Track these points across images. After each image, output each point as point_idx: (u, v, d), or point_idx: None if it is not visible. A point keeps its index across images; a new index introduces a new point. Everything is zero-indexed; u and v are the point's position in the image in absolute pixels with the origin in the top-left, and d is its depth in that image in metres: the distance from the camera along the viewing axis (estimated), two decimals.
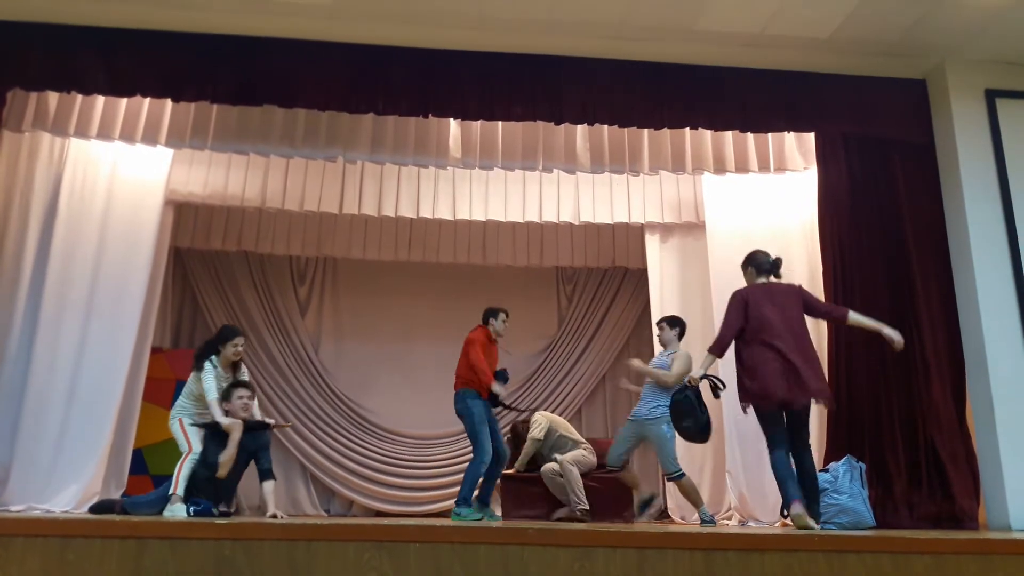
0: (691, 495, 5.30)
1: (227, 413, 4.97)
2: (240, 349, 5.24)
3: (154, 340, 6.90)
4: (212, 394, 4.97)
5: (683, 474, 5.29)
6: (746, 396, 4.54)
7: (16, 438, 5.48)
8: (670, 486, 6.81)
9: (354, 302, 8.27)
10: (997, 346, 5.31)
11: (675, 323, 5.64)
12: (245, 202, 6.87)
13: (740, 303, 4.62)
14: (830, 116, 5.85)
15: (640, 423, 5.35)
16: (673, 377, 5.26)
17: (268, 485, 4.99)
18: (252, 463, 5.06)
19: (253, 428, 5.04)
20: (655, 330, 5.82)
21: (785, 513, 5.23)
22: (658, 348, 7.00)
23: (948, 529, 4.94)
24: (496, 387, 5.46)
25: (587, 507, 5.91)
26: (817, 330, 6.11)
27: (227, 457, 4.82)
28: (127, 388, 5.98)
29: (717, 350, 4.60)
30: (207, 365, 5.08)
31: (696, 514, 5.42)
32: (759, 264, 4.79)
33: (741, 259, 6.49)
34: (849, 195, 5.88)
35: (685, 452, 6.79)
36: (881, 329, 4.65)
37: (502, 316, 5.74)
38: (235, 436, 4.86)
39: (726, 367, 5.05)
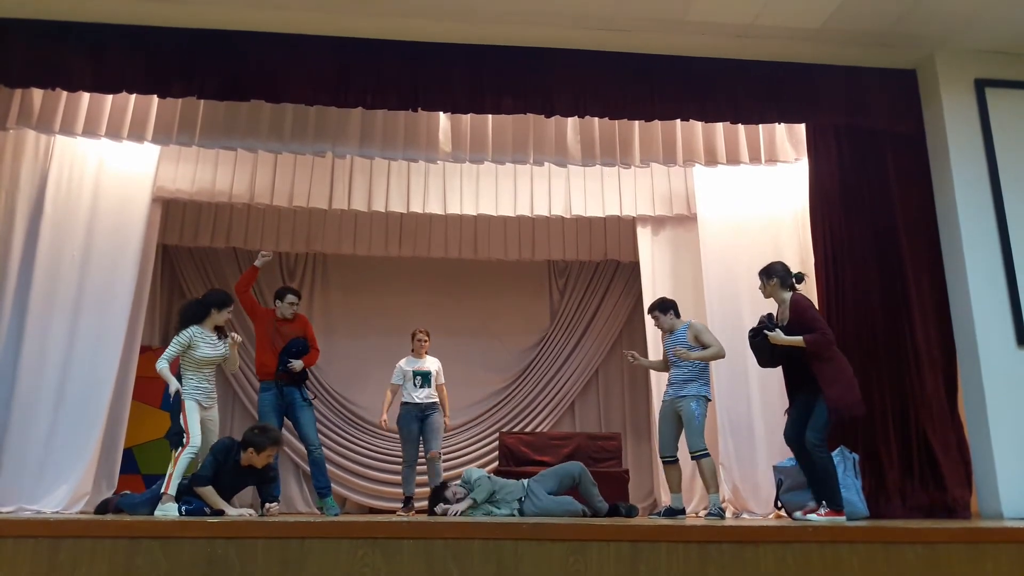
0: (708, 478, 5.25)
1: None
2: (230, 316, 5.19)
3: (143, 338, 6.85)
4: (164, 361, 4.85)
5: (707, 453, 5.25)
6: (856, 403, 4.61)
7: (5, 439, 5.44)
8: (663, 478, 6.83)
9: (345, 298, 8.24)
10: (988, 335, 5.32)
11: (666, 307, 5.57)
12: (233, 198, 6.83)
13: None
14: (821, 107, 5.84)
15: (673, 401, 5.34)
16: (718, 350, 5.31)
17: (272, 507, 4.97)
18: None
19: (259, 471, 4.98)
20: (648, 320, 5.77)
21: (779, 505, 5.26)
22: (651, 338, 7.02)
23: (941, 518, 4.96)
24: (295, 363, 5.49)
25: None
26: None
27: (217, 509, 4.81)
28: (116, 387, 5.92)
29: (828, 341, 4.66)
30: (188, 330, 4.97)
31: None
32: (785, 278, 4.89)
33: (733, 250, 6.50)
34: (840, 186, 5.89)
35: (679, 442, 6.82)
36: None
37: (289, 297, 5.69)
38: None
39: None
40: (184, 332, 4.96)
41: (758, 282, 5.01)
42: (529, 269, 8.45)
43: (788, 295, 4.84)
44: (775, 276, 4.88)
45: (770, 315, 4.85)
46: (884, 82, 5.89)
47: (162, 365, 4.86)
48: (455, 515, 5.29)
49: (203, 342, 4.98)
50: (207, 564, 3.09)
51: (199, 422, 4.85)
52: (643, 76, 5.73)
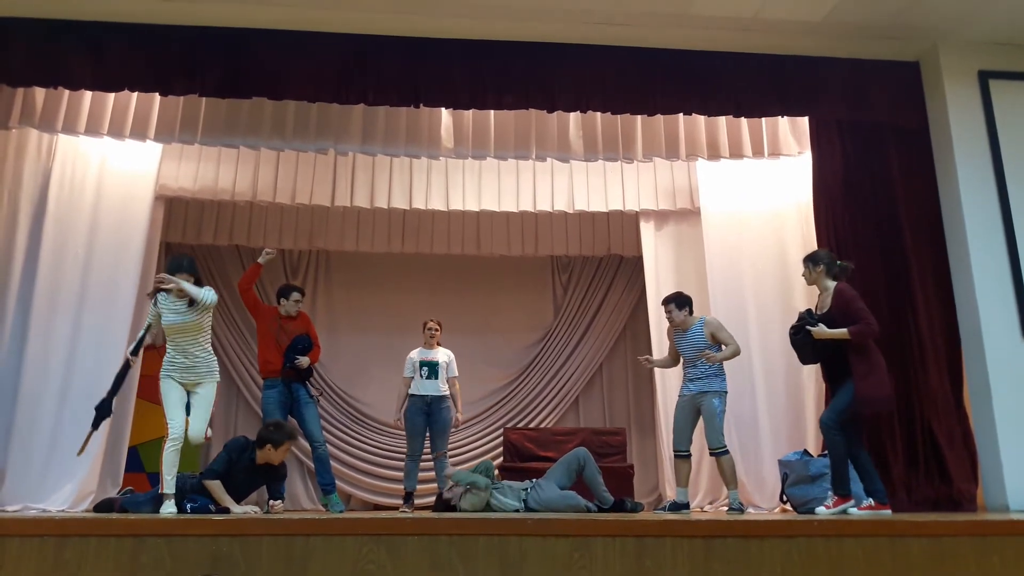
0: (728, 475, 5.22)
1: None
2: (166, 286, 4.68)
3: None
4: (140, 332, 4.78)
5: (727, 451, 5.24)
6: (887, 399, 4.50)
7: (10, 438, 5.46)
8: (671, 474, 6.83)
9: (348, 295, 8.23)
10: (993, 328, 5.31)
11: (682, 303, 5.48)
12: (236, 196, 6.84)
13: None
14: (824, 100, 5.82)
15: (694, 396, 5.29)
16: (736, 347, 5.29)
17: (276, 504, 4.95)
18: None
19: (270, 470, 4.97)
20: (662, 312, 5.68)
21: (784, 499, 5.26)
22: (655, 334, 7.01)
23: (946, 512, 4.95)
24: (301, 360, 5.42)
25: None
26: None
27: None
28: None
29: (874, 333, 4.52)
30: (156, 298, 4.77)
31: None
32: (830, 265, 4.76)
33: (736, 244, 6.46)
34: (843, 179, 5.87)
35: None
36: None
37: (294, 295, 5.59)
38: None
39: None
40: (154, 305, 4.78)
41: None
42: (532, 265, 8.44)
43: (832, 283, 4.70)
44: (821, 263, 4.73)
45: (809, 310, 4.71)
46: (887, 74, 5.86)
47: (139, 334, 4.79)
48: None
49: (167, 309, 4.70)
50: (212, 562, 3.08)
51: (179, 408, 4.65)
52: (645, 70, 5.72)
